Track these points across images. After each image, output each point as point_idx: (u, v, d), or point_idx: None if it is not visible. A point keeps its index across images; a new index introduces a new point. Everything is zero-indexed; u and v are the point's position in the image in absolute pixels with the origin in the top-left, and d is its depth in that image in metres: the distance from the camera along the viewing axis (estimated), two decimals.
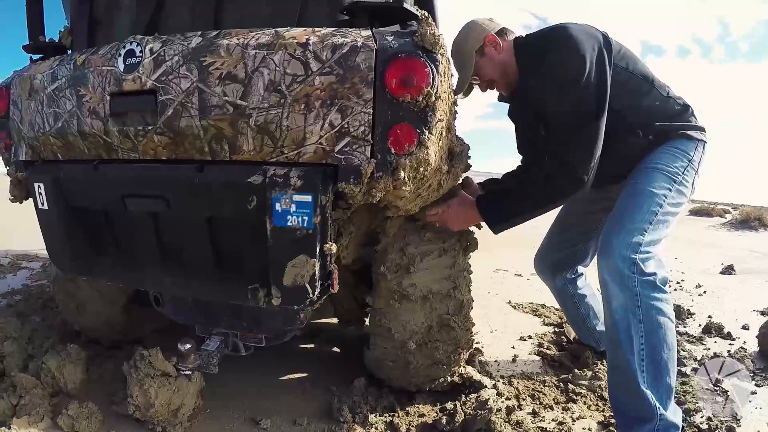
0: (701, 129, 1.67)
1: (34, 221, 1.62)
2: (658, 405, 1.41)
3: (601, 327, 2.17)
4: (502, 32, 1.74)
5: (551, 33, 1.60)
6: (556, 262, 2.14)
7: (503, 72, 1.74)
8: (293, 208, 1.20)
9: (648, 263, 1.46)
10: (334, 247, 1.27)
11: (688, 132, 1.63)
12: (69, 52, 1.64)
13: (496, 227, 1.61)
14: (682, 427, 1.59)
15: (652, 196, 1.54)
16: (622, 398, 1.49)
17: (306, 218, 1.20)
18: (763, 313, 3.20)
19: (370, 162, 1.18)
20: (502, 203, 1.62)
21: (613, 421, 1.70)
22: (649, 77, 1.65)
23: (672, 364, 1.45)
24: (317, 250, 1.23)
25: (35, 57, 1.68)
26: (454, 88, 1.40)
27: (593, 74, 1.47)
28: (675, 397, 1.53)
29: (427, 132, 1.18)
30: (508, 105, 1.93)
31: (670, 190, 1.55)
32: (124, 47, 1.32)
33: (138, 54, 1.30)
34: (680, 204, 1.61)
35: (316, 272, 1.24)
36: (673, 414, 1.44)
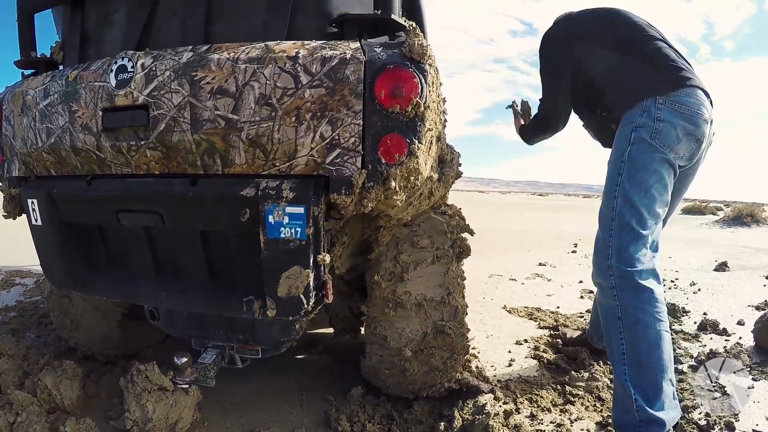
0: (653, 83, 1.63)
1: (27, 236, 1.62)
2: (637, 398, 1.46)
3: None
4: None
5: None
6: None
7: None
8: (286, 219, 1.20)
9: (623, 260, 1.53)
10: (327, 258, 1.28)
11: (636, 102, 1.62)
12: (60, 67, 1.65)
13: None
14: (680, 424, 1.61)
15: (609, 192, 1.62)
16: (617, 388, 1.56)
17: (299, 229, 1.21)
18: (757, 308, 3.23)
19: (361, 172, 1.19)
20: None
21: (610, 421, 1.72)
22: (618, 43, 1.73)
23: (659, 362, 1.48)
24: (311, 261, 1.24)
25: (27, 72, 1.68)
26: (442, 97, 1.42)
27: (541, 59, 1.91)
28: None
29: (416, 142, 1.19)
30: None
31: (620, 174, 1.58)
32: (115, 62, 1.33)
33: (129, 69, 1.31)
34: (649, 175, 1.56)
35: (311, 283, 1.25)
36: (664, 412, 1.45)
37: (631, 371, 1.49)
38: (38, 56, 1.66)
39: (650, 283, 1.52)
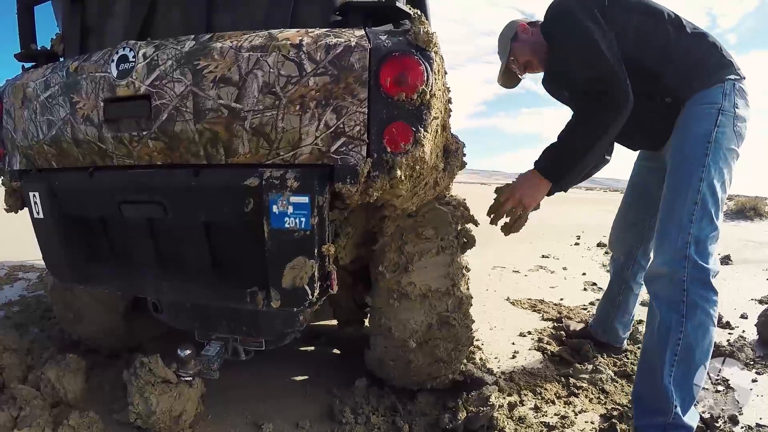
0: (725, 65, 1.53)
1: (29, 231, 1.61)
2: (676, 403, 1.41)
3: (619, 323, 2.21)
4: (534, 23, 1.93)
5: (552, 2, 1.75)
6: (627, 236, 2.12)
7: (533, 50, 1.87)
8: (290, 209, 1.19)
9: (702, 254, 1.43)
10: (332, 248, 1.27)
11: (716, 82, 1.50)
12: (61, 59, 1.64)
13: (559, 184, 1.60)
14: None
15: (693, 172, 1.46)
16: (653, 387, 1.48)
17: (303, 219, 1.20)
18: (761, 302, 3.23)
19: (366, 161, 1.18)
20: (556, 155, 1.58)
21: (615, 413, 1.71)
22: (655, 10, 1.60)
23: (704, 370, 1.45)
24: (315, 251, 1.23)
25: (27, 65, 1.67)
26: (447, 86, 1.40)
27: (578, 26, 1.56)
28: None
29: (422, 130, 1.18)
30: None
31: (707, 155, 1.44)
32: (116, 53, 1.31)
33: (131, 59, 1.29)
34: (726, 166, 1.48)
35: (315, 273, 1.24)
36: (690, 418, 1.44)
37: (678, 373, 1.43)
38: (38, 48, 1.64)
39: (715, 285, 1.45)
